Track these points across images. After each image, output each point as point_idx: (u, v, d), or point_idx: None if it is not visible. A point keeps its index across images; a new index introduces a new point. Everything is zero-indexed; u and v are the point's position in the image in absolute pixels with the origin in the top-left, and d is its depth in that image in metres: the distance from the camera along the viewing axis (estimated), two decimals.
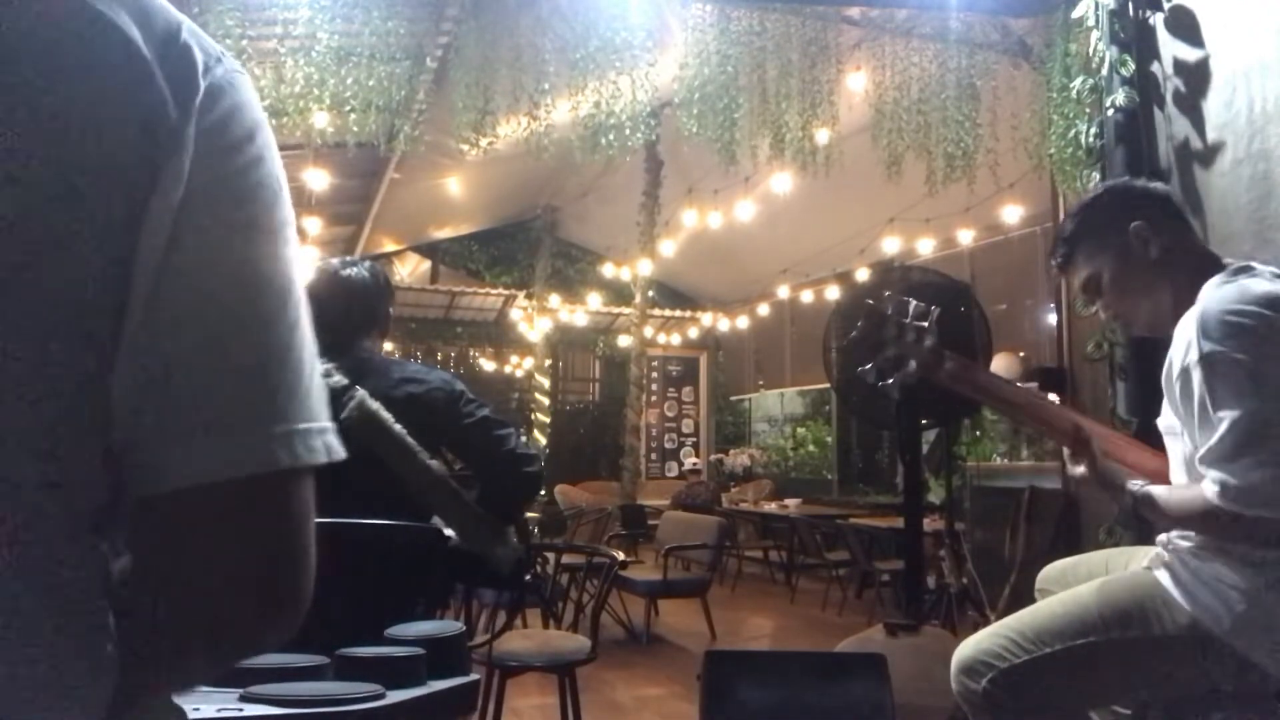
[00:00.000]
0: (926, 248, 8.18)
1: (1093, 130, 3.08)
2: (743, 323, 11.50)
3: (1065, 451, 1.62)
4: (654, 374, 12.17)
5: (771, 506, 8.62)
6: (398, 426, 1.87)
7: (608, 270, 11.29)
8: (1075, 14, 3.17)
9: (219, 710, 0.95)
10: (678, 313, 12.17)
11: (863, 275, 8.38)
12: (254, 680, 1.01)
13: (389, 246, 11.09)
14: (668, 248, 9.57)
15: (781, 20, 4.31)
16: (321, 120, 4.30)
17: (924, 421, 3.69)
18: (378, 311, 2.14)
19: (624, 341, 11.03)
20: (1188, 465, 1.50)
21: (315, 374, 0.53)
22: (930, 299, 3.70)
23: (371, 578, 1.70)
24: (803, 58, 4.36)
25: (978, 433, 7.29)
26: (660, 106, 4.80)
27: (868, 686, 2.16)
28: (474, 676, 1.25)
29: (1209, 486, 1.38)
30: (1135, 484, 1.53)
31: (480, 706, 2.73)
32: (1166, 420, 1.57)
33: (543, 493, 7.25)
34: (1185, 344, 1.44)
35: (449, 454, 2.11)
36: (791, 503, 8.39)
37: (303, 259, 0.55)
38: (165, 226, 0.48)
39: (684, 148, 6.95)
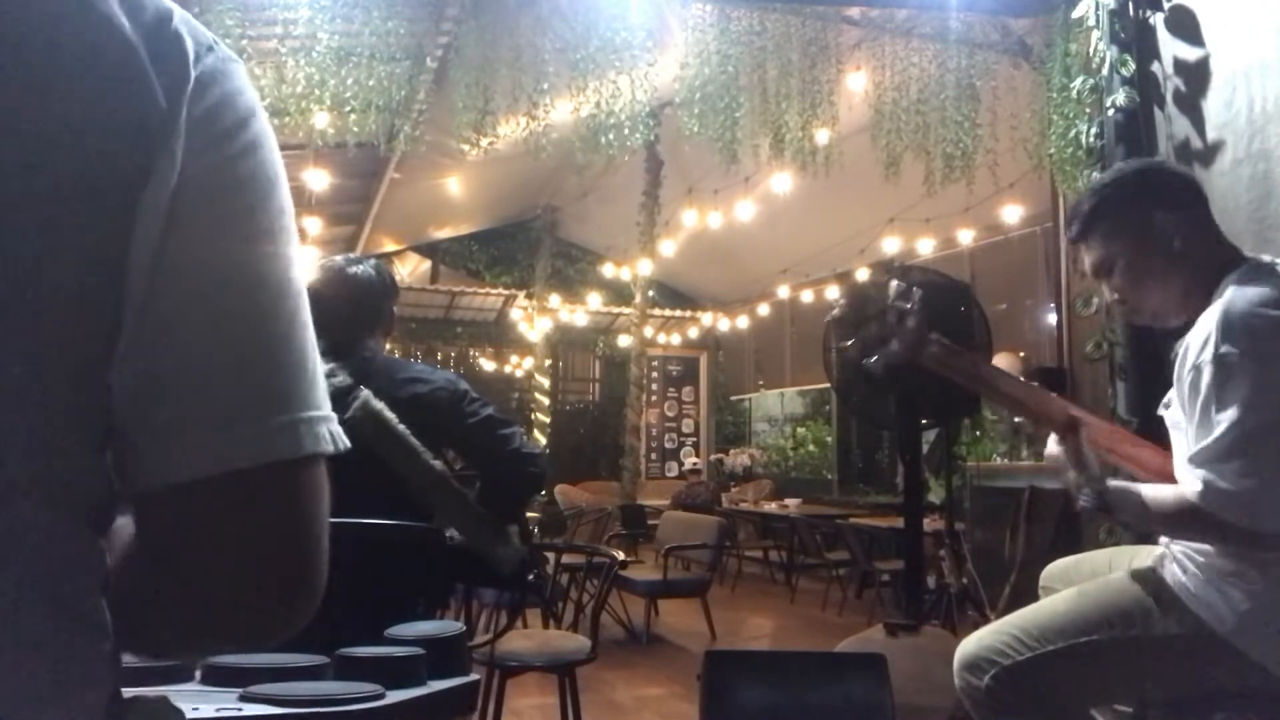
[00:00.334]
0: (926, 248, 8.18)
1: (1093, 130, 3.08)
2: (743, 323, 11.50)
3: (1051, 436, 1.61)
4: (654, 374, 12.17)
5: (771, 506, 8.62)
6: (401, 426, 1.87)
7: (608, 270, 11.29)
8: (1075, 14, 3.17)
9: (219, 710, 0.95)
10: (678, 313, 12.17)
11: (863, 275, 8.38)
12: (254, 680, 1.01)
13: (389, 246, 11.08)
14: (668, 248, 9.56)
15: (781, 20, 4.31)
16: (322, 120, 4.30)
17: (924, 421, 3.69)
18: (383, 310, 2.13)
19: (624, 341, 11.03)
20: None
21: (316, 363, 0.52)
22: (930, 299, 3.70)
23: (371, 578, 1.70)
24: (803, 58, 4.36)
25: (978, 433, 7.28)
26: (660, 106, 4.80)
27: (868, 686, 2.16)
28: (474, 676, 1.25)
29: (1193, 485, 1.38)
30: (1111, 482, 1.52)
31: (480, 706, 2.73)
32: (1174, 415, 1.55)
33: (543, 493, 7.24)
34: (1203, 338, 1.41)
35: (450, 453, 2.11)
36: (791, 503, 8.39)
37: (302, 253, 0.54)
38: (159, 218, 0.47)
39: (684, 148, 6.95)
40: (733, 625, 6.07)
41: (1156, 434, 1.66)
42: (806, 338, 10.21)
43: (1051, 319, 6.14)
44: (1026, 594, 1.96)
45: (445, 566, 1.97)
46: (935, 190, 4.42)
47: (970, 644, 1.64)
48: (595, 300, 11.40)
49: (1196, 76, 2.83)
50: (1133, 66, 2.97)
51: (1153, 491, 1.48)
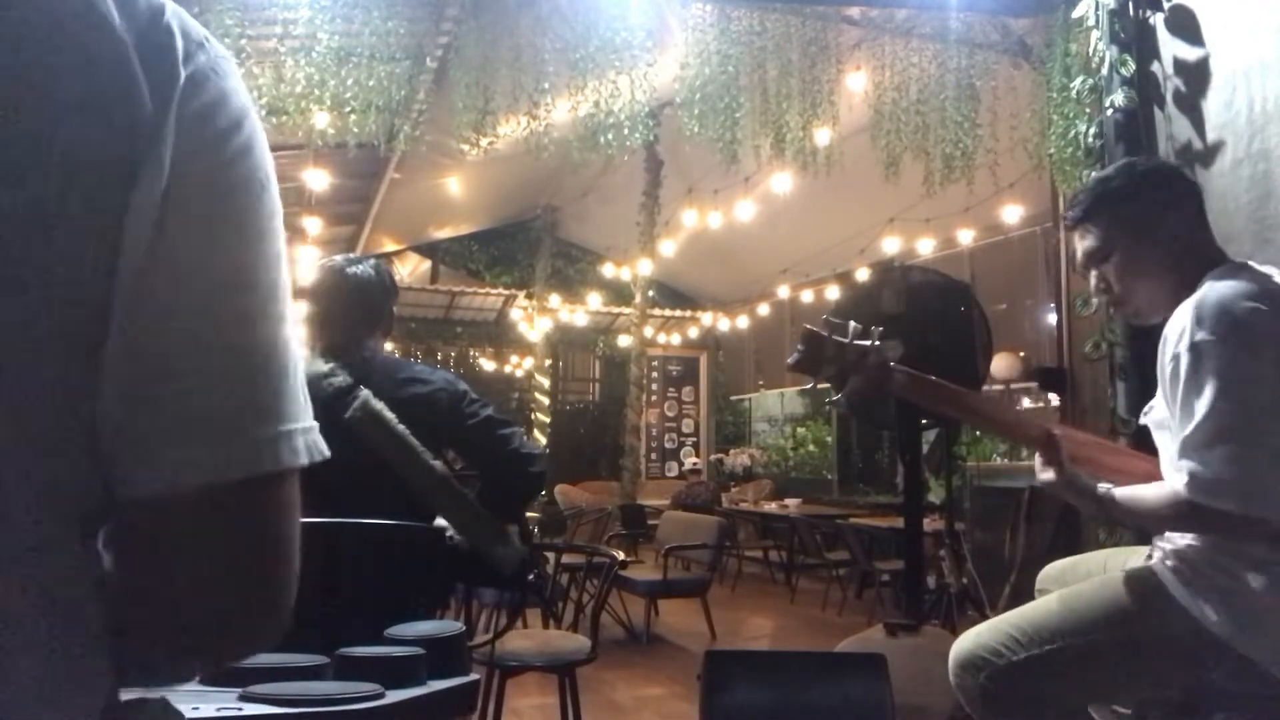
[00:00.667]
0: (926, 248, 8.19)
1: (1093, 130, 3.08)
2: (743, 323, 11.50)
3: (1036, 458, 1.62)
4: (654, 374, 12.18)
5: (771, 506, 8.62)
6: (401, 427, 1.87)
7: (608, 270, 11.29)
8: (1075, 14, 3.17)
9: (219, 710, 0.95)
10: (678, 313, 12.18)
11: (863, 275, 8.38)
12: (254, 680, 1.01)
13: (389, 246, 11.08)
14: (668, 248, 9.56)
15: (781, 20, 4.31)
16: (322, 120, 4.30)
17: (924, 421, 3.69)
18: (383, 311, 2.13)
19: (624, 341, 11.03)
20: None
21: (299, 372, 0.52)
22: (930, 299, 3.71)
23: (371, 578, 1.70)
24: (803, 58, 4.36)
25: (977, 433, 7.29)
26: (660, 106, 4.80)
27: (867, 686, 2.16)
28: (474, 676, 1.25)
29: (1179, 477, 1.39)
30: (1103, 487, 1.54)
31: (480, 706, 2.73)
32: (1157, 415, 1.57)
33: (543, 493, 7.25)
34: (1179, 331, 1.44)
35: (450, 454, 2.11)
36: (791, 503, 8.39)
37: (302, 253, 0.54)
38: (149, 221, 0.46)
39: (684, 148, 6.95)
40: (733, 625, 6.07)
41: (1151, 438, 1.66)
42: None
43: (1051, 319, 6.15)
44: (1026, 594, 1.96)
45: (445, 566, 1.97)
46: (935, 190, 4.42)
47: (966, 642, 1.64)
48: (595, 300, 11.40)
49: (1196, 76, 2.83)
50: (1132, 66, 2.97)
51: (1146, 491, 1.49)
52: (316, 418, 0.53)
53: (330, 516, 1.55)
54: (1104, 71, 3.02)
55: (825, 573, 6.90)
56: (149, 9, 0.49)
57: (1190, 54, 2.85)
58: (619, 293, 11.29)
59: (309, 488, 0.53)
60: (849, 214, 7.92)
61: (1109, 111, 2.99)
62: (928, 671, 2.67)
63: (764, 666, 2.30)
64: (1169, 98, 2.93)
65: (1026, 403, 7.78)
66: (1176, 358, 1.43)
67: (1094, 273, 1.68)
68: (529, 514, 4.85)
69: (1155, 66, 2.98)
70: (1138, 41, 3.01)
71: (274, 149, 0.54)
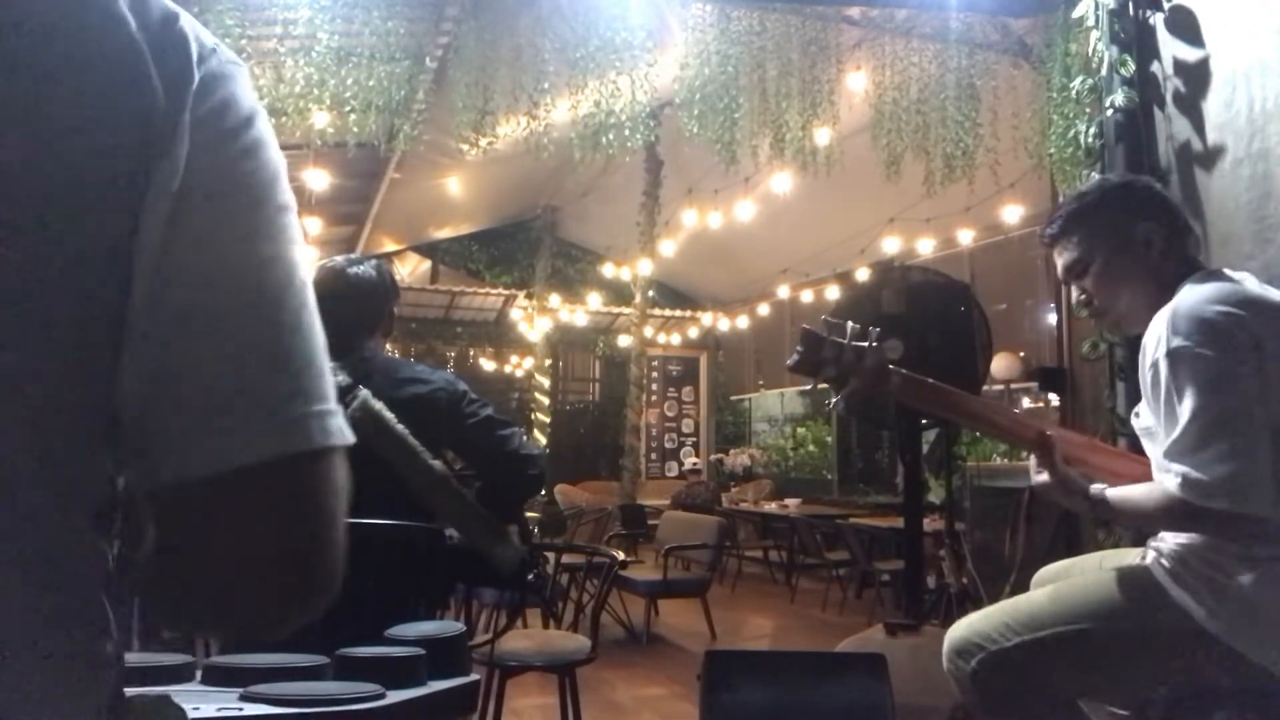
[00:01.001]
0: (926, 248, 8.19)
1: (1093, 130, 3.08)
2: (743, 323, 11.50)
3: (1031, 460, 1.64)
4: (654, 374, 12.17)
5: (771, 506, 8.62)
6: (400, 427, 1.87)
7: (608, 270, 11.29)
8: (1075, 14, 3.17)
9: (219, 710, 0.95)
10: (678, 313, 12.18)
11: (863, 275, 8.38)
12: (254, 680, 1.01)
13: (389, 246, 11.08)
14: (668, 248, 9.56)
15: (781, 20, 4.31)
16: (321, 120, 4.30)
17: (924, 421, 3.69)
18: (383, 311, 2.13)
19: (624, 341, 11.03)
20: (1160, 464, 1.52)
21: (324, 357, 0.53)
22: (930, 299, 3.71)
23: (371, 578, 1.70)
24: (803, 57, 4.36)
25: (977, 433, 7.28)
26: (660, 106, 4.81)
27: (867, 686, 2.16)
28: (474, 677, 1.25)
29: (1171, 480, 1.40)
30: (1096, 488, 1.55)
31: (480, 706, 2.73)
32: (1144, 421, 1.59)
33: (543, 493, 7.25)
34: (1156, 339, 1.47)
35: (450, 454, 2.11)
36: (791, 503, 8.39)
37: (305, 251, 0.55)
38: (163, 217, 0.48)
39: (684, 148, 6.95)
40: (733, 625, 6.07)
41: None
42: None
43: (1051, 319, 6.15)
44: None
45: (445, 566, 1.97)
46: (935, 190, 4.43)
47: (960, 628, 1.67)
48: (595, 300, 11.40)
49: (1196, 76, 2.83)
50: (1132, 67, 2.97)
51: (1138, 491, 1.51)
52: None
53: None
54: (1104, 71, 3.02)
55: (825, 573, 6.90)
56: (163, 14, 0.50)
57: (1190, 54, 2.85)
58: (619, 293, 11.29)
59: None
60: (849, 214, 7.92)
61: (1109, 111, 2.99)
62: (928, 671, 2.67)
63: (764, 666, 2.30)
64: (1169, 98, 2.93)
65: (1026, 403, 7.79)
66: (1155, 365, 1.46)
67: (1075, 286, 1.72)
68: (529, 514, 4.85)
69: (1155, 66, 2.98)
70: (1138, 41, 3.01)
71: None
